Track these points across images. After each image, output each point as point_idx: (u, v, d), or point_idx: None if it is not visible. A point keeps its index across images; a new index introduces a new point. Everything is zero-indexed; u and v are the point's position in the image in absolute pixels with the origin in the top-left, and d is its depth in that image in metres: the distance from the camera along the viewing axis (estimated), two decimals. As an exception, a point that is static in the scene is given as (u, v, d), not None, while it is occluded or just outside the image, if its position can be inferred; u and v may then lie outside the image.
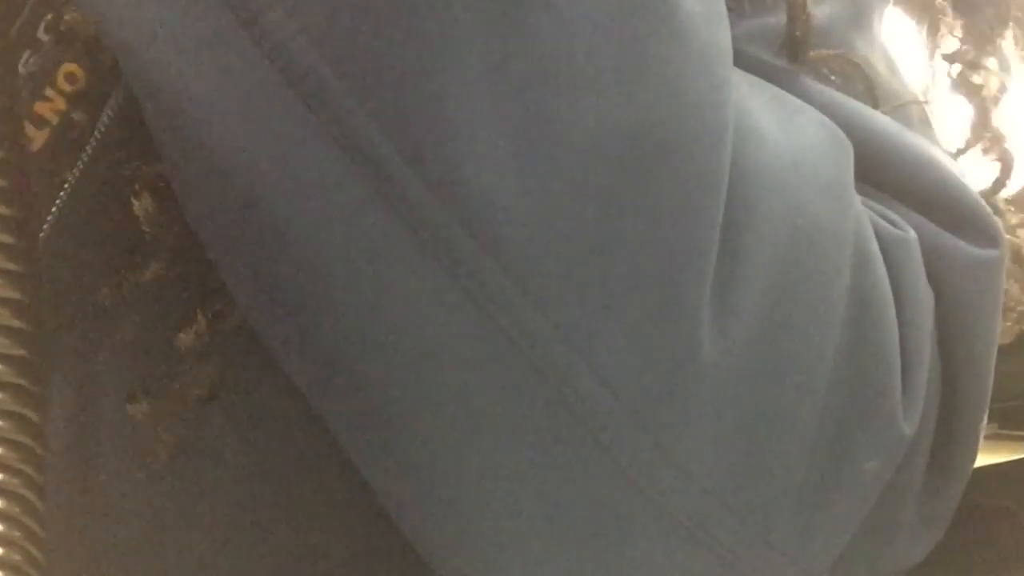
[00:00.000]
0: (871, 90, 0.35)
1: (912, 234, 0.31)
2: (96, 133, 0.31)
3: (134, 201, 0.30)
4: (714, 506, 0.27)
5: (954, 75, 0.39)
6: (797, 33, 0.33)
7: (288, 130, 0.23)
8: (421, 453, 0.27)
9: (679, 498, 0.26)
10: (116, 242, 0.32)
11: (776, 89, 0.31)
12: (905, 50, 0.38)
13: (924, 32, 0.39)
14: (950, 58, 0.39)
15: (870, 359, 0.29)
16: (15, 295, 0.25)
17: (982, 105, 0.39)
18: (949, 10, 0.39)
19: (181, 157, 0.26)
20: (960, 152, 0.39)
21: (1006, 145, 0.39)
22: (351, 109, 0.23)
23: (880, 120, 0.33)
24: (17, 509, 0.27)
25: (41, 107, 0.32)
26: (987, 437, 0.33)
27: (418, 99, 0.23)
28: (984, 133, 0.39)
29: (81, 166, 0.32)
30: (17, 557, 0.27)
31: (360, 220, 0.24)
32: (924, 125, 0.37)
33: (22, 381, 0.26)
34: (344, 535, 0.34)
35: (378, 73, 0.23)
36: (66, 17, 0.31)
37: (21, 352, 0.26)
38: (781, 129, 0.29)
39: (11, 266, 0.25)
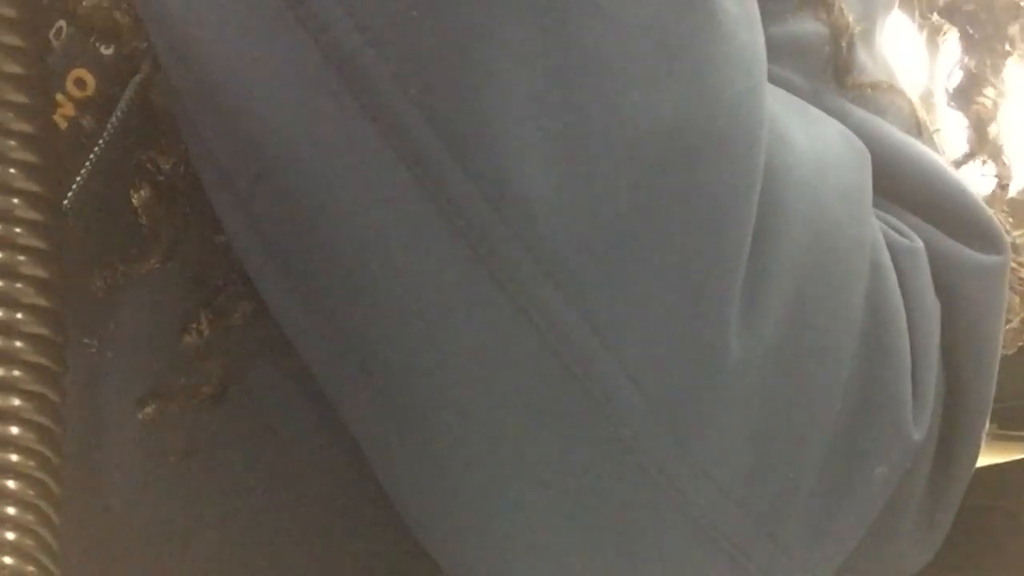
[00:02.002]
0: (915, 115, 0.35)
1: (919, 244, 0.32)
2: (104, 135, 0.31)
3: (133, 193, 0.30)
4: (729, 506, 0.27)
5: (951, 90, 0.40)
6: (842, 56, 0.33)
7: (328, 112, 0.23)
8: (441, 444, 0.27)
9: (696, 497, 0.27)
10: (119, 240, 0.31)
11: (795, 97, 0.31)
12: (906, 56, 0.38)
13: (924, 39, 0.40)
14: (948, 77, 0.39)
15: (883, 366, 0.29)
16: (40, 273, 0.25)
17: (979, 120, 0.40)
18: (946, 26, 0.40)
19: (216, 138, 0.25)
20: (959, 163, 0.40)
21: (1004, 158, 0.40)
22: (394, 94, 0.23)
23: (886, 128, 0.34)
24: (31, 492, 0.27)
25: None
26: (987, 437, 0.33)
27: (461, 88, 0.23)
28: (982, 148, 0.40)
29: (89, 166, 0.32)
30: (29, 542, 0.27)
31: (396, 205, 0.24)
32: (924, 131, 0.38)
33: (42, 360, 0.26)
34: (351, 535, 0.34)
35: (422, 60, 0.23)
36: (83, 3, 0.30)
37: (43, 331, 0.25)
38: (805, 135, 0.29)
39: (38, 244, 0.25)
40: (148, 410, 0.31)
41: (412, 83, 0.23)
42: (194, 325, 0.31)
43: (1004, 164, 0.40)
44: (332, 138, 0.23)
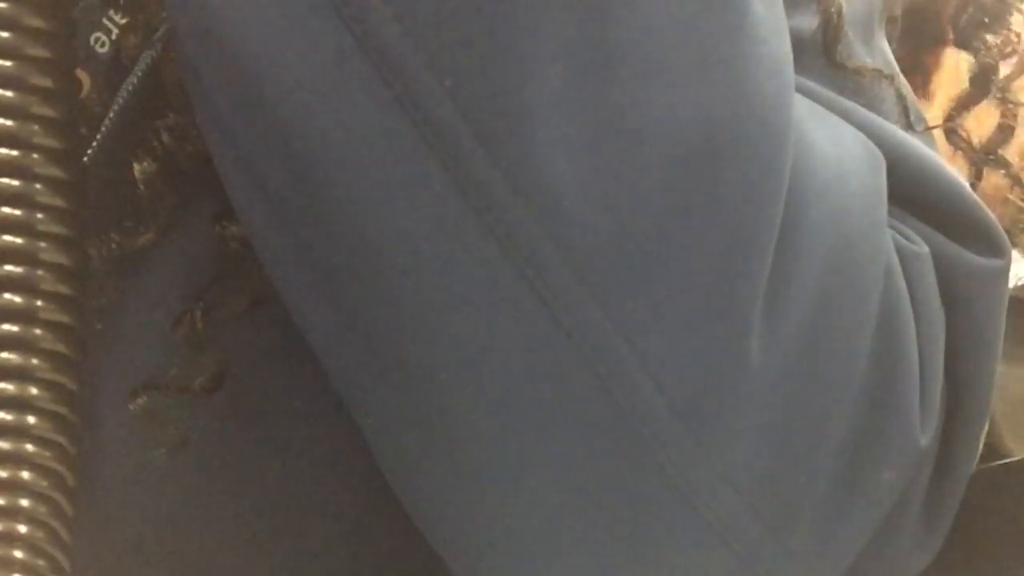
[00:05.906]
0: (903, 102, 0.35)
1: (926, 249, 0.32)
2: (114, 108, 0.31)
3: (136, 164, 0.30)
4: (743, 507, 0.27)
5: (960, 28, 0.39)
6: (832, 26, 0.33)
7: (360, 100, 0.23)
8: (458, 438, 0.26)
9: (711, 498, 0.27)
10: (117, 216, 0.31)
11: (810, 100, 0.31)
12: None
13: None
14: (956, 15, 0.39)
15: (893, 372, 0.29)
16: (62, 260, 0.25)
17: (988, 57, 0.39)
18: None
19: (240, 122, 0.25)
20: (964, 107, 0.39)
21: (1009, 96, 0.39)
22: (427, 85, 0.23)
23: (889, 129, 0.34)
24: (45, 483, 0.26)
25: None
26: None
27: (496, 80, 0.23)
28: (990, 85, 0.39)
29: (95, 145, 0.31)
30: (40, 534, 0.27)
31: (424, 196, 0.24)
32: (918, 124, 0.38)
33: (61, 348, 0.25)
34: (345, 529, 0.33)
35: (458, 51, 0.23)
36: None
37: (63, 319, 0.25)
38: (826, 138, 0.29)
39: (60, 230, 0.25)
40: (140, 401, 0.31)
41: (446, 74, 0.23)
42: (187, 316, 0.30)
43: (1008, 99, 0.39)
44: (362, 126, 0.23)
